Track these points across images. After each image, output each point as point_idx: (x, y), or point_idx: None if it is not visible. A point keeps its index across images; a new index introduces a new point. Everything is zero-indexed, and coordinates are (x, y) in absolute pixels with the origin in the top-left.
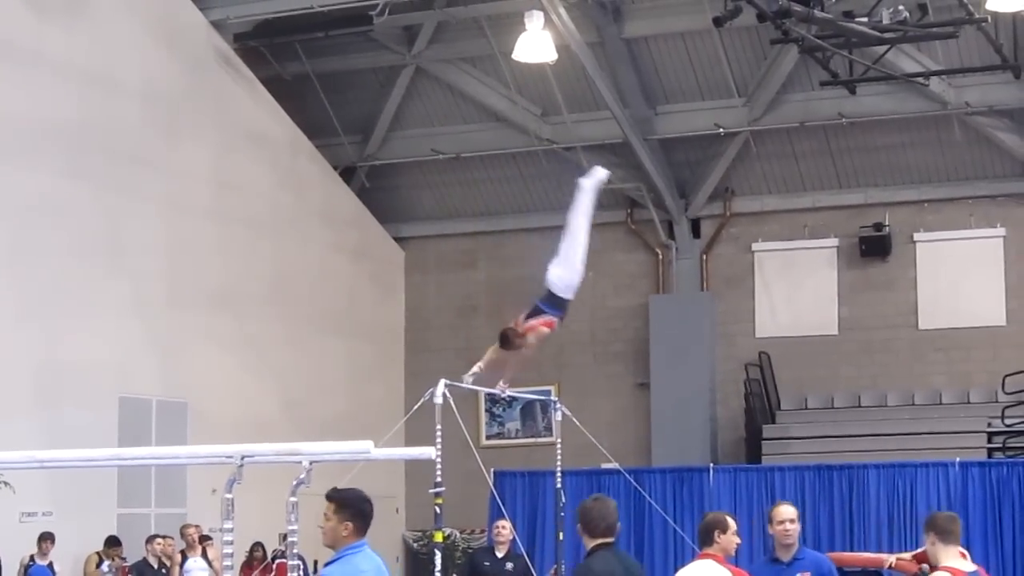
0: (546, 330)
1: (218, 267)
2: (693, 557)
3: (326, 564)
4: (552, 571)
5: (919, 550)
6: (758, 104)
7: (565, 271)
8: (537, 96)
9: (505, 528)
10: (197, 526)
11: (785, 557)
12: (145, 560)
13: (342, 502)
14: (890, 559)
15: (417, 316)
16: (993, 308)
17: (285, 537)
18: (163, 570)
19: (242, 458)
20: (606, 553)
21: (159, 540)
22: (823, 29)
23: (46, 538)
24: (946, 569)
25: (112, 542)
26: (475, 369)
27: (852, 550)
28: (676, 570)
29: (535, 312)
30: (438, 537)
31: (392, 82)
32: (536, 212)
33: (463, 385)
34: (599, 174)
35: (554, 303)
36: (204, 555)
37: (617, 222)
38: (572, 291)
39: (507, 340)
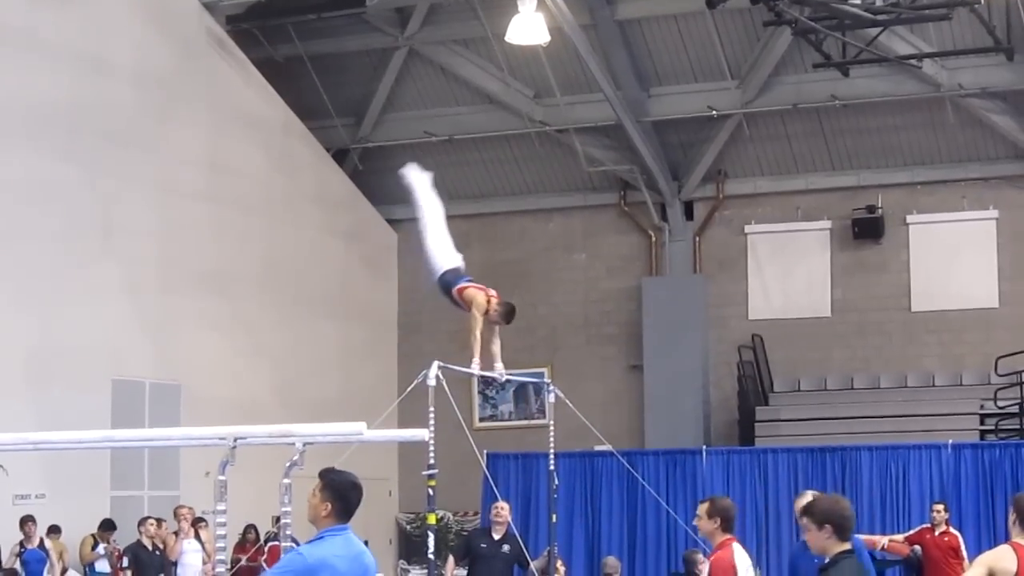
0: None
1: (211, 249)
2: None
3: (305, 543)
4: (545, 552)
5: (911, 532)
6: (751, 86)
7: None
8: (530, 78)
9: (504, 509)
10: (190, 508)
11: None
12: (139, 542)
13: (328, 483)
14: (883, 541)
15: (410, 298)
16: (986, 290)
17: (278, 520)
18: (156, 552)
19: (235, 440)
20: (853, 562)
21: (151, 522)
22: (816, 11)
23: (28, 520)
24: (1011, 544)
25: (106, 525)
26: (477, 361)
27: None
28: (669, 551)
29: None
30: (431, 519)
31: (385, 64)
32: (529, 194)
33: (461, 369)
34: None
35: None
36: (197, 537)
37: (610, 204)
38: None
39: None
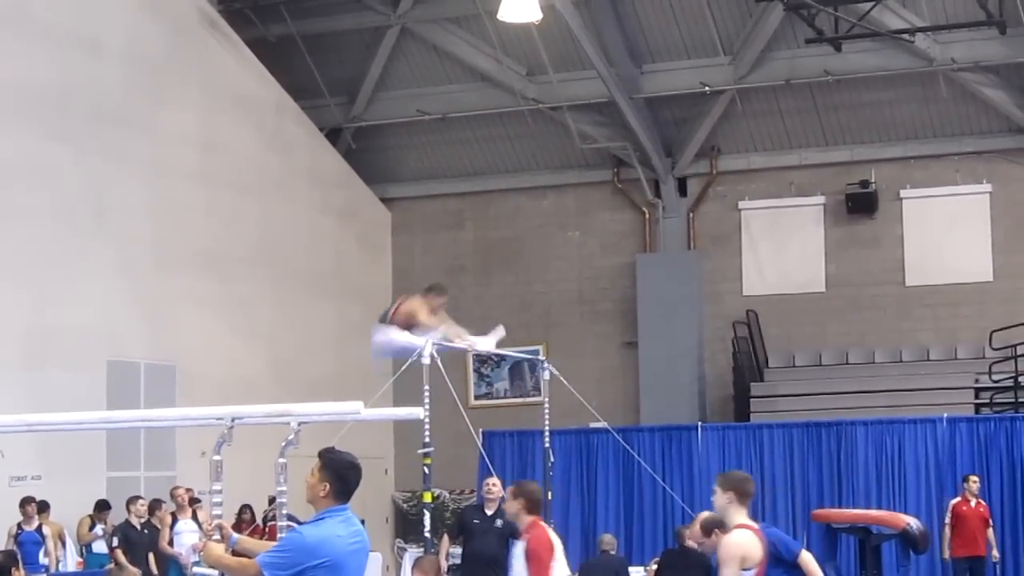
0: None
1: (205, 229)
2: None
3: (303, 523)
4: None
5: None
6: (744, 62)
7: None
8: (523, 56)
9: (495, 486)
10: (188, 488)
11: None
12: (127, 521)
13: (327, 462)
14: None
15: (404, 277)
16: (980, 264)
17: (272, 500)
18: (145, 531)
19: (232, 419)
20: None
21: (141, 501)
22: None
23: (28, 502)
24: (745, 527)
25: (102, 506)
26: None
27: (840, 506)
28: (666, 527)
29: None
30: (427, 497)
31: (377, 43)
32: (523, 172)
33: (454, 346)
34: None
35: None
36: (194, 517)
37: (603, 181)
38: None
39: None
